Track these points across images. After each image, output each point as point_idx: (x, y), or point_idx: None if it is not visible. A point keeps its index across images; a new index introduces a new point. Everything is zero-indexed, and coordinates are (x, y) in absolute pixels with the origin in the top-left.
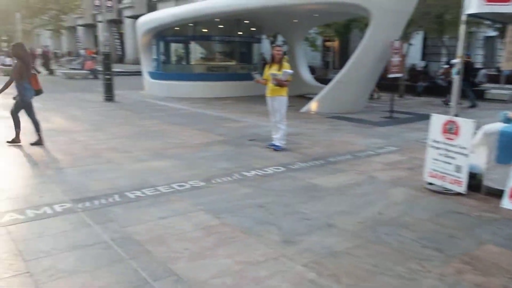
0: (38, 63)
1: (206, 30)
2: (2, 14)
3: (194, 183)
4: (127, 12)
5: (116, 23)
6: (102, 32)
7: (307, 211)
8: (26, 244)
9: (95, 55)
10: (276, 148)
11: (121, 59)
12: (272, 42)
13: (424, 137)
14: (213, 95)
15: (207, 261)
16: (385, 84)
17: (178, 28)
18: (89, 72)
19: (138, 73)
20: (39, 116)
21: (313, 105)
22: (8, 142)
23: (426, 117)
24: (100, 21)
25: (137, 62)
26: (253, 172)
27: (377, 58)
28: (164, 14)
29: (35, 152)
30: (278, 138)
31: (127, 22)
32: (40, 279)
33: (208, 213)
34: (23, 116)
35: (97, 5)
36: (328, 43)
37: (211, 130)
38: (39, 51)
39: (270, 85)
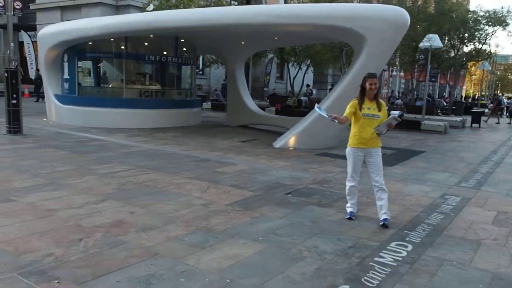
0: None
1: (124, 47)
2: None
3: None
4: None
5: None
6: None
7: None
8: None
9: None
10: (386, 224)
11: None
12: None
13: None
14: (145, 125)
15: None
16: None
17: (91, 43)
18: None
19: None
20: None
21: (291, 140)
22: None
23: (416, 153)
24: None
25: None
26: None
27: None
28: (89, 25)
29: None
30: (386, 207)
31: None
32: None
33: None
34: None
35: (0, 6)
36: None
37: (212, 179)
38: None
39: (367, 131)
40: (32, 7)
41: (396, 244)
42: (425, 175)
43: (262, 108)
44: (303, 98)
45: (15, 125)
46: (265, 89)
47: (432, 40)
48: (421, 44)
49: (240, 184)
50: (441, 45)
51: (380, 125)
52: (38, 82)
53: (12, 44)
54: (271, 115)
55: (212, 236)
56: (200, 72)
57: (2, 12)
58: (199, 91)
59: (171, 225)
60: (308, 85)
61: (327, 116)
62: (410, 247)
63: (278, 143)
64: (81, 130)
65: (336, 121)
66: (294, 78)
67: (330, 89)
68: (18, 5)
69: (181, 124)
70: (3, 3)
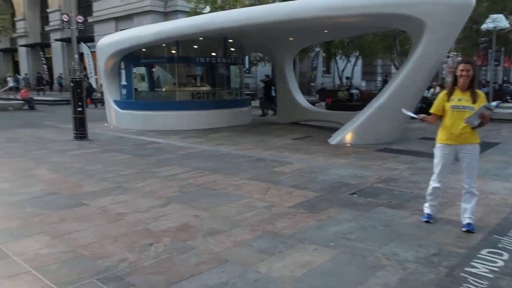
0: None
1: (175, 51)
2: None
3: None
4: (55, 35)
5: (42, 46)
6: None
7: None
8: None
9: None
10: (471, 229)
11: (50, 87)
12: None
13: None
14: (198, 126)
15: None
16: None
17: (145, 50)
18: (23, 102)
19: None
20: None
21: (347, 136)
22: None
23: (491, 145)
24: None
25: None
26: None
27: (426, 77)
28: (142, 32)
29: None
30: (471, 211)
31: (55, 46)
32: None
33: None
34: None
35: (65, 21)
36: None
37: (271, 179)
38: None
39: (457, 125)
40: (89, 20)
41: (488, 252)
42: (506, 169)
43: (312, 103)
44: (354, 91)
45: (81, 131)
46: (312, 84)
47: (498, 21)
48: (484, 26)
49: (301, 184)
50: (507, 25)
51: (471, 116)
52: (89, 90)
53: (76, 56)
54: (323, 111)
55: (280, 241)
56: (247, 71)
57: (67, 27)
58: (246, 89)
59: (236, 229)
60: (347, 78)
61: (416, 117)
62: (506, 256)
63: (334, 140)
64: (139, 134)
65: (428, 120)
66: (342, 71)
67: (384, 81)
68: (80, 19)
69: (233, 123)
70: (67, 18)
